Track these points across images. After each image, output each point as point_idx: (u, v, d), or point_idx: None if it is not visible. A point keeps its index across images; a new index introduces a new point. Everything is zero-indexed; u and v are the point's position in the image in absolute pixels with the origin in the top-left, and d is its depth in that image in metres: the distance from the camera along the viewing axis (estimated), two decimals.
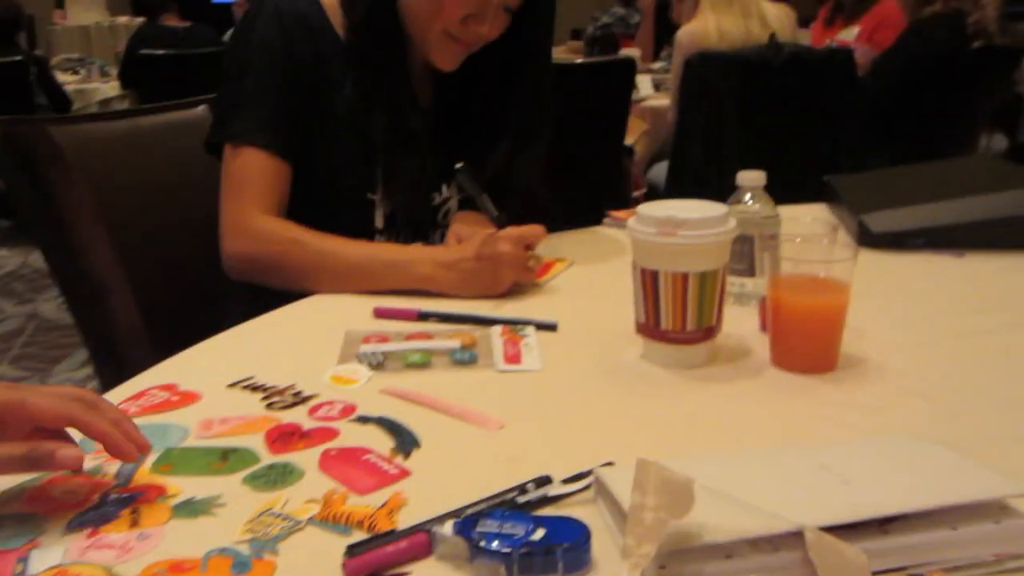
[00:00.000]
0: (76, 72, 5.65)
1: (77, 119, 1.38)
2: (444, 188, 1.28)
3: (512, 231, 1.07)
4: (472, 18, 1.14)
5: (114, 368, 1.24)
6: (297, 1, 1.20)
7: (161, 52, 4.19)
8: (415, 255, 1.11)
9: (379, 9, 1.17)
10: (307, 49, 1.17)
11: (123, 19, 7.61)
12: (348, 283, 1.10)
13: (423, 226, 1.26)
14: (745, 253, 0.99)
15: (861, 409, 0.76)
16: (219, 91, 1.20)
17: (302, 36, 1.17)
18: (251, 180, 1.15)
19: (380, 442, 0.72)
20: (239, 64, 1.17)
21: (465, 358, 0.89)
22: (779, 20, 2.89)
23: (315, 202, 1.18)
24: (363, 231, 1.19)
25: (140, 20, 5.68)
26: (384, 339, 0.94)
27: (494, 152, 1.24)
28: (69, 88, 4.98)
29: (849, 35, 3.65)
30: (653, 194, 3.06)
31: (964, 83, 2.82)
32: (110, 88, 5.12)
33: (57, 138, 1.26)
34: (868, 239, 1.19)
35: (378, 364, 0.87)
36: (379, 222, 1.22)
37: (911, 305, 1.03)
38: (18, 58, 4.55)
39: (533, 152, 1.26)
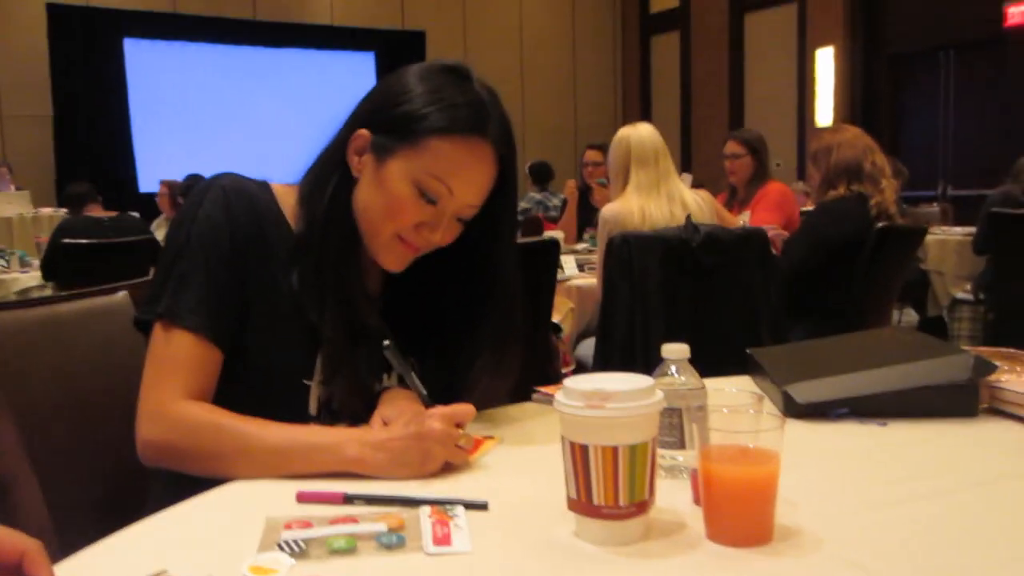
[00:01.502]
0: None
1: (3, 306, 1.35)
2: (385, 377, 1.26)
3: (442, 410, 1.06)
4: (425, 226, 1.16)
5: None
6: (246, 183, 1.20)
7: (86, 241, 4.18)
8: (341, 436, 1.07)
9: (337, 207, 1.18)
10: (252, 232, 1.16)
11: (46, 210, 7.64)
12: (270, 468, 1.05)
13: (362, 414, 1.22)
14: (674, 425, 0.99)
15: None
16: (157, 267, 1.18)
17: (248, 219, 1.16)
18: (177, 363, 1.11)
19: None
20: (179, 242, 1.15)
21: (392, 541, 0.85)
22: (698, 205, 3.05)
23: (246, 386, 1.15)
24: (295, 417, 1.15)
25: (63, 212, 5.71)
26: (307, 524, 0.89)
27: (469, 367, 1.24)
28: None
29: (744, 218, 4.00)
30: (581, 371, 3.09)
31: (872, 260, 2.98)
32: (30, 278, 5.06)
33: None
34: (793, 410, 1.21)
35: (300, 552, 0.83)
36: (313, 408, 1.19)
37: (840, 474, 1.04)
38: None
39: (507, 366, 1.26)
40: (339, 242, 1.18)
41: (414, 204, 1.15)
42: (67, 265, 4.31)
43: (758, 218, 4.08)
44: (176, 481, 1.09)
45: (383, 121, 1.17)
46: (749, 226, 3.69)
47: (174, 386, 1.10)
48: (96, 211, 5.71)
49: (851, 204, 3.04)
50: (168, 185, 6.43)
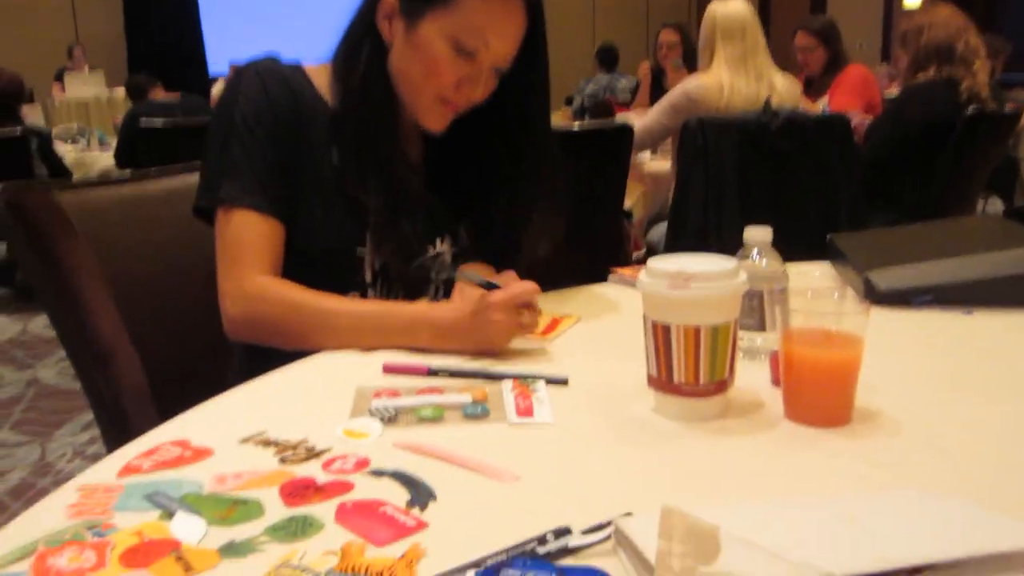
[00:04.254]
0: (75, 142, 5.72)
1: (81, 185, 1.39)
2: (438, 242, 1.29)
3: (502, 295, 1.07)
4: (465, 81, 1.17)
5: (120, 431, 1.23)
6: (278, 65, 1.22)
7: (160, 123, 4.25)
8: (414, 318, 1.10)
9: (373, 76, 1.19)
10: (290, 110, 1.18)
11: (120, 91, 7.74)
12: (349, 343, 1.10)
13: (416, 281, 1.26)
14: (755, 308, 0.99)
15: (879, 463, 0.76)
16: (205, 155, 1.20)
17: (285, 98, 1.18)
18: (245, 242, 1.15)
19: (396, 495, 0.71)
20: (224, 128, 1.17)
21: (477, 412, 0.88)
22: (786, 87, 2.95)
23: (303, 258, 1.18)
24: (353, 285, 1.20)
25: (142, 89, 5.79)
26: (395, 394, 0.93)
27: (518, 231, 1.27)
28: (69, 158, 5.04)
29: (823, 103, 3.86)
30: (652, 255, 3.08)
31: (959, 147, 2.87)
32: (109, 157, 5.18)
33: (62, 204, 1.27)
34: (874, 296, 1.19)
35: (390, 418, 0.87)
36: (368, 276, 1.23)
37: (921, 361, 1.03)
38: (19, 130, 4.61)
39: (553, 227, 1.28)
40: (376, 110, 1.20)
41: (452, 62, 1.15)
42: (143, 147, 4.39)
43: (837, 102, 3.94)
44: (251, 356, 1.14)
45: None
46: (830, 111, 3.57)
47: (249, 264, 1.15)
48: (159, 94, 5.78)
49: (940, 88, 2.91)
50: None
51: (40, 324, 4.29)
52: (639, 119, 3.84)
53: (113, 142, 5.41)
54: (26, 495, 2.58)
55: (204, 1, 9.53)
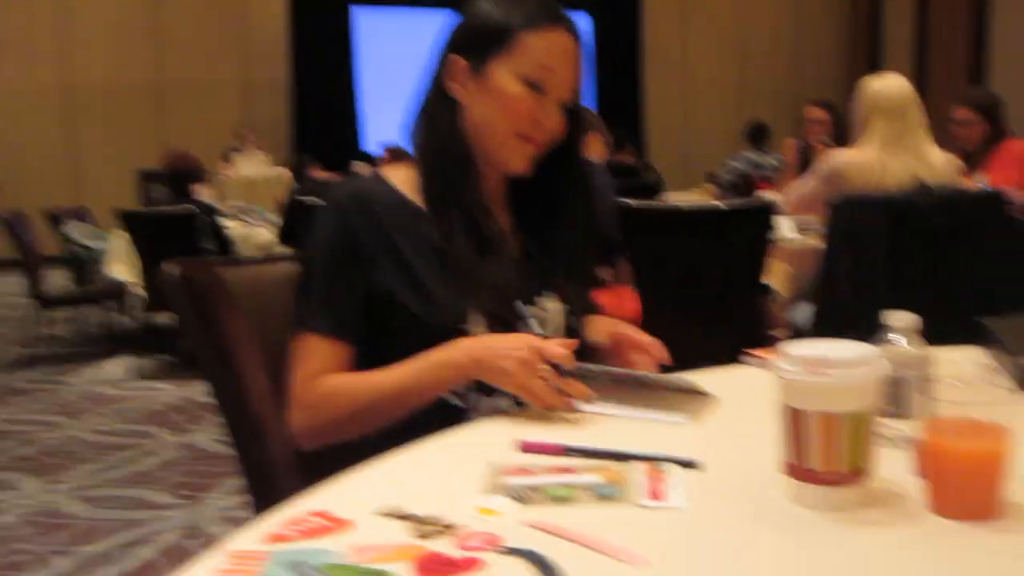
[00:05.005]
0: (239, 218, 6.10)
1: (242, 262, 1.51)
2: (544, 302, 1.33)
3: (541, 342, 1.14)
4: (539, 114, 1.25)
5: (268, 497, 1.29)
6: (359, 185, 1.34)
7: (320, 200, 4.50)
8: (447, 356, 1.19)
9: (452, 131, 1.29)
10: (371, 230, 1.26)
11: (280, 170, 8.24)
12: (401, 404, 1.20)
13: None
14: (898, 395, 0.96)
15: None
16: (297, 282, 1.32)
17: (365, 221, 1.27)
18: (308, 360, 1.26)
19: (526, 575, 0.72)
20: (308, 257, 1.30)
21: (609, 492, 0.89)
22: (944, 167, 2.84)
23: (416, 348, 1.22)
24: None
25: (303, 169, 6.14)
26: (527, 472, 0.95)
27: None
28: (234, 232, 5.38)
29: (982, 181, 3.69)
30: (795, 335, 3.00)
31: None
32: (269, 232, 5.50)
33: (226, 278, 1.38)
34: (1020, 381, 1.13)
35: (522, 497, 0.89)
36: None
37: None
38: (192, 206, 4.99)
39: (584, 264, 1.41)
40: (456, 161, 1.28)
41: (526, 97, 1.24)
42: (304, 225, 4.66)
43: (996, 177, 3.76)
44: (397, 433, 1.18)
45: (471, 43, 1.28)
46: (987, 187, 3.42)
47: (307, 375, 1.25)
48: (319, 173, 6.13)
49: None
50: (391, 151, 6.77)
51: (198, 391, 4.55)
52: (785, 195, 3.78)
53: (273, 217, 5.74)
54: (177, 556, 2.71)
55: (364, 86, 10.08)
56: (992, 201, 2.51)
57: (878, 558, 0.74)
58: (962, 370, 0.95)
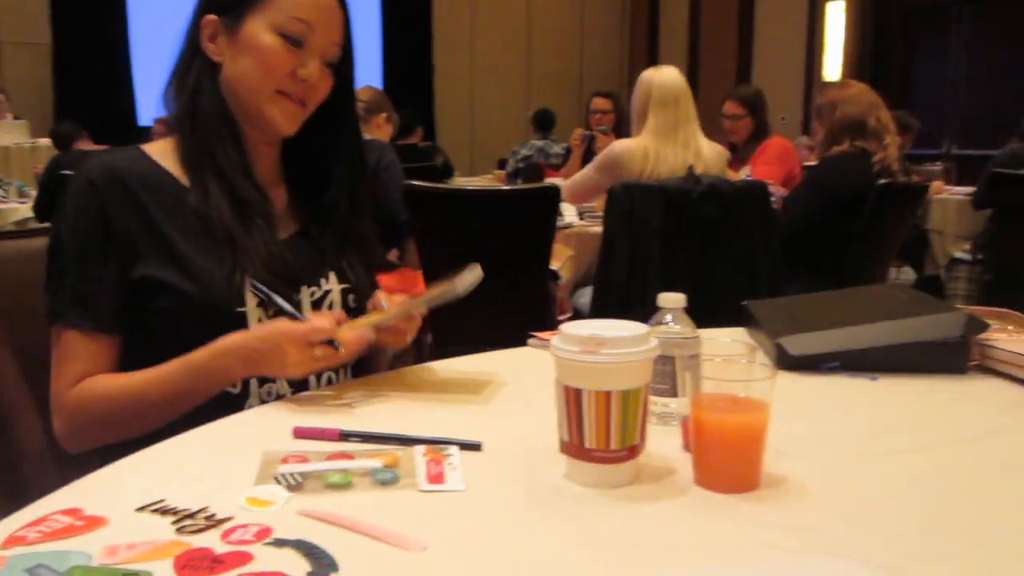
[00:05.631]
0: None
1: None
2: (322, 280, 1.28)
3: (295, 331, 1.10)
4: (300, 68, 1.21)
5: (16, 494, 1.17)
6: (115, 160, 1.22)
7: None
8: (214, 353, 1.12)
9: (203, 90, 1.23)
10: (128, 208, 1.18)
11: (44, 141, 7.58)
12: (168, 411, 1.12)
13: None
14: (667, 373, 1.00)
15: (786, 529, 0.76)
16: (46, 266, 1.20)
17: (120, 198, 1.18)
18: (66, 357, 1.16)
19: (296, 566, 0.69)
20: (51, 243, 1.19)
21: (387, 478, 0.86)
22: (712, 156, 3.03)
23: (192, 330, 1.15)
24: None
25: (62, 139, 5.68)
26: (303, 459, 0.91)
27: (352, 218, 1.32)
28: None
29: (745, 173, 3.99)
30: (578, 318, 3.10)
31: (872, 216, 2.97)
32: (27, 208, 5.05)
33: None
34: (785, 361, 1.22)
35: (296, 485, 0.85)
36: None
37: (828, 426, 1.05)
38: None
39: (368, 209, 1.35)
40: (208, 121, 1.23)
41: (282, 51, 1.20)
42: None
43: (758, 172, 4.06)
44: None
45: (225, 1, 1.23)
46: (750, 179, 3.68)
47: (67, 378, 1.15)
48: (86, 145, 5.69)
49: (853, 159, 3.03)
50: (164, 122, 6.37)
51: None
52: (565, 180, 3.89)
53: (33, 192, 5.28)
54: None
55: (136, 51, 9.45)
56: (755, 192, 2.69)
57: (647, 532, 0.77)
58: (724, 349, 1.00)
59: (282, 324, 1.11)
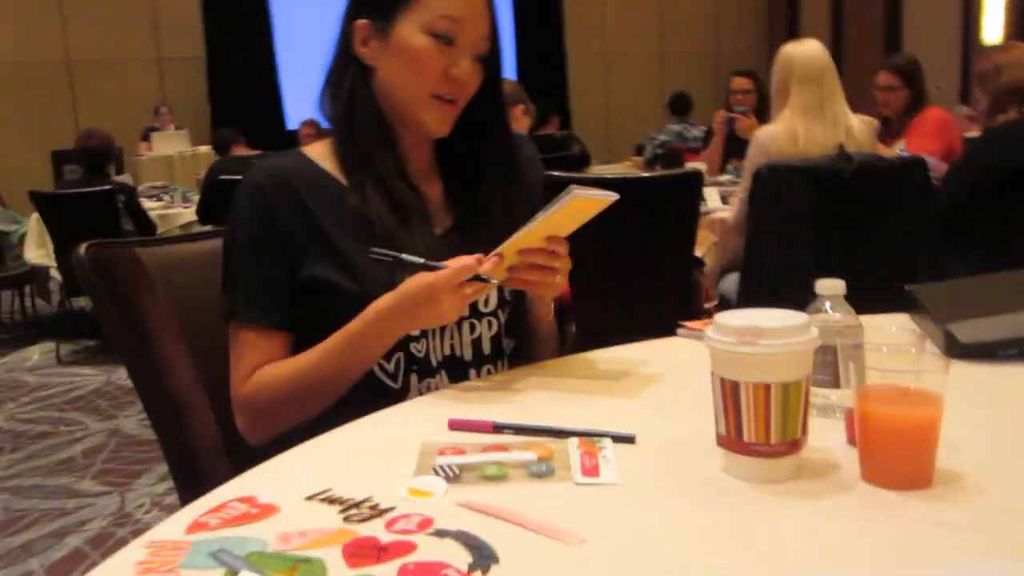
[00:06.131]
0: (160, 199, 5.94)
1: (161, 241, 1.44)
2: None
3: (443, 276, 1.10)
4: (452, 67, 1.22)
5: (194, 483, 1.25)
6: (279, 165, 1.26)
7: (239, 178, 4.39)
8: (370, 318, 1.14)
9: (359, 96, 1.26)
10: (294, 211, 1.22)
11: (204, 148, 8.02)
12: (338, 383, 1.17)
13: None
14: (828, 363, 0.96)
15: (963, 530, 0.72)
16: (222, 268, 1.26)
17: (286, 202, 1.22)
18: (243, 354, 1.21)
19: (458, 556, 0.70)
20: (227, 246, 1.25)
21: (542, 470, 0.87)
22: (863, 132, 2.88)
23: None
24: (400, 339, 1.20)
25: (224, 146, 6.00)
26: (460, 451, 0.93)
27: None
28: (153, 214, 5.22)
29: (900, 147, 3.78)
30: (725, 306, 3.04)
31: None
32: (191, 213, 5.36)
33: (143, 259, 1.31)
34: (956, 350, 1.15)
35: (454, 476, 0.86)
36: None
37: (1007, 418, 0.99)
38: (107, 187, 4.81)
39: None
40: (365, 125, 1.25)
41: (434, 51, 1.21)
42: (223, 203, 4.54)
43: (915, 146, 3.85)
44: (330, 412, 1.16)
45: (375, 4, 1.24)
46: (907, 154, 3.50)
47: (242, 373, 1.21)
48: (242, 150, 5.98)
49: (1021, 130, 2.83)
50: (311, 124, 6.62)
51: (123, 375, 4.43)
52: (706, 164, 3.79)
53: (196, 198, 5.59)
54: (105, 545, 2.63)
55: (282, 59, 9.86)
56: (912, 168, 2.56)
57: (812, 529, 0.74)
58: (890, 337, 0.95)
59: (427, 276, 1.12)
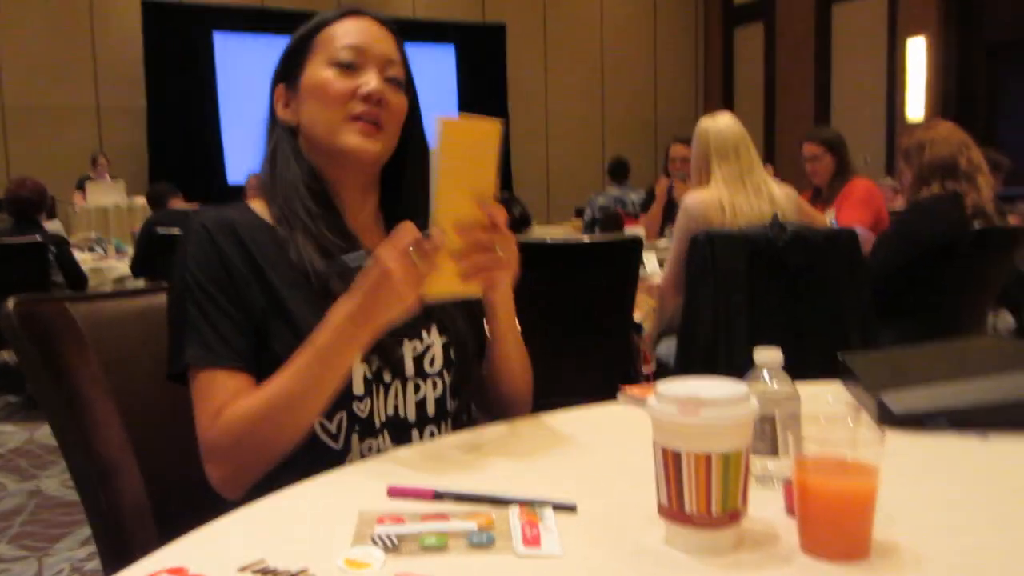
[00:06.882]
0: (93, 250, 5.81)
1: (94, 297, 1.40)
2: (424, 334, 1.27)
3: (381, 247, 1.08)
4: (363, 87, 1.24)
5: (119, 547, 1.20)
6: (225, 212, 1.26)
7: (177, 231, 4.33)
8: (339, 325, 1.11)
9: (283, 154, 1.28)
10: (242, 256, 1.21)
11: (140, 200, 7.90)
12: (320, 398, 1.12)
13: (402, 372, 1.24)
14: (766, 433, 0.98)
15: None
16: (169, 320, 1.22)
17: (235, 246, 1.21)
18: (215, 398, 1.15)
19: None
20: (180, 290, 1.20)
21: (483, 540, 0.86)
22: (785, 200, 2.97)
23: None
24: (342, 401, 1.18)
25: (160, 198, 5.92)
26: (399, 520, 0.91)
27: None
28: (86, 267, 5.11)
29: (830, 216, 3.91)
30: (663, 370, 3.07)
31: (967, 261, 2.88)
32: (125, 267, 5.25)
33: (74, 315, 1.28)
34: (888, 419, 1.17)
35: (393, 547, 0.85)
36: (357, 388, 1.21)
37: (939, 489, 1.01)
38: (38, 238, 4.69)
39: None
40: (288, 185, 1.26)
41: (340, 76, 1.25)
42: (160, 257, 4.45)
43: (845, 215, 3.98)
44: (265, 479, 1.13)
45: (285, 66, 1.31)
46: (838, 225, 3.61)
47: (212, 415, 1.14)
48: (179, 204, 5.91)
49: (946, 203, 2.94)
50: (257, 178, 6.55)
51: (46, 433, 4.27)
52: (645, 229, 3.85)
53: (130, 251, 5.49)
54: None
55: (224, 112, 9.81)
56: (843, 239, 2.63)
57: None
58: (825, 407, 0.97)
59: (378, 258, 1.08)
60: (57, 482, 3.62)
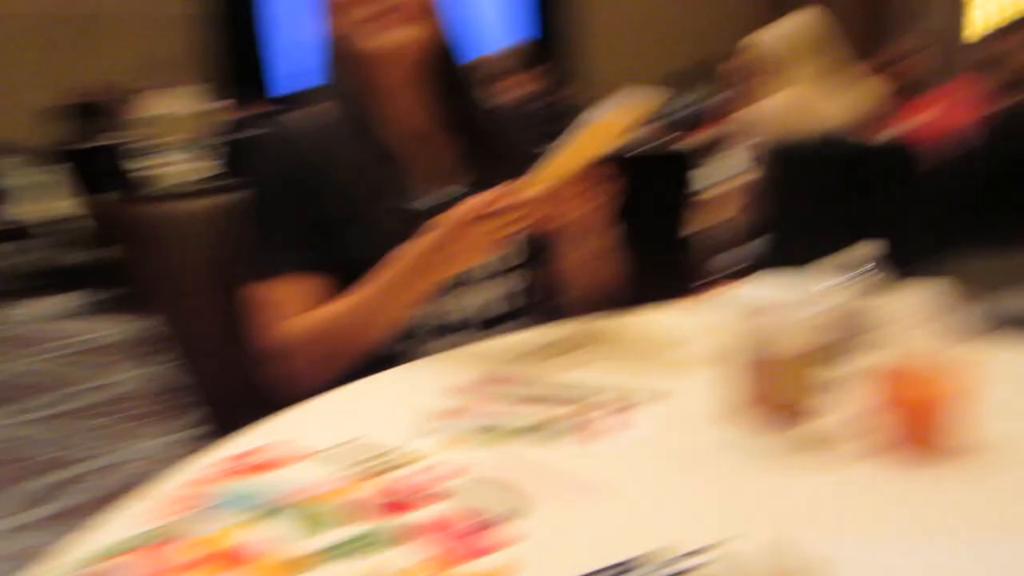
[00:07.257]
0: (160, 153, 5.87)
1: (178, 195, 1.46)
2: None
3: (457, 210, 1.08)
4: None
5: (225, 426, 1.26)
6: (293, 124, 1.27)
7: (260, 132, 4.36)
8: (401, 263, 1.13)
9: (334, 63, 1.26)
10: (307, 168, 1.22)
11: (215, 105, 7.92)
12: (380, 324, 1.16)
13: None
14: (851, 332, 0.97)
15: (996, 498, 0.72)
16: (245, 226, 1.25)
17: (303, 155, 1.23)
18: (280, 306, 1.19)
19: (489, 507, 0.71)
20: (254, 200, 1.23)
21: (571, 426, 0.88)
22: (863, 101, 2.88)
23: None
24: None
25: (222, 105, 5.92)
26: (495, 404, 0.93)
27: None
28: (162, 170, 5.19)
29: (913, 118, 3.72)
30: (727, 280, 3.02)
31: None
32: (197, 167, 5.32)
33: (158, 213, 1.35)
34: (995, 322, 1.12)
35: (489, 429, 0.87)
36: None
37: None
38: (105, 143, 4.79)
39: None
40: (344, 96, 1.26)
41: None
42: (242, 158, 4.49)
43: (932, 114, 3.78)
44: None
45: None
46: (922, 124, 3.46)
47: (291, 316, 1.18)
48: (251, 108, 5.93)
49: None
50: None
51: (146, 325, 4.40)
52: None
53: (202, 154, 5.55)
54: (137, 488, 2.65)
55: (275, 22, 9.74)
56: (900, 152, 2.52)
57: (840, 491, 0.74)
58: (918, 307, 0.94)
59: (439, 218, 1.10)
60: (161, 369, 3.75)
